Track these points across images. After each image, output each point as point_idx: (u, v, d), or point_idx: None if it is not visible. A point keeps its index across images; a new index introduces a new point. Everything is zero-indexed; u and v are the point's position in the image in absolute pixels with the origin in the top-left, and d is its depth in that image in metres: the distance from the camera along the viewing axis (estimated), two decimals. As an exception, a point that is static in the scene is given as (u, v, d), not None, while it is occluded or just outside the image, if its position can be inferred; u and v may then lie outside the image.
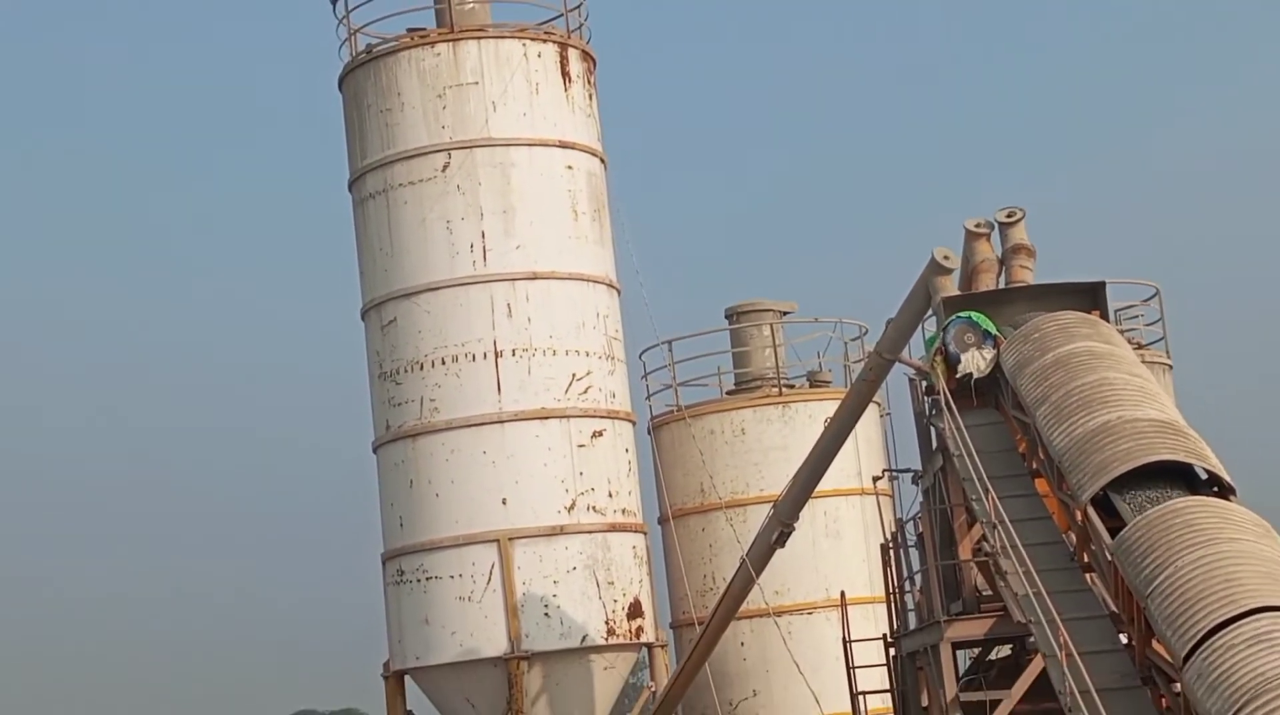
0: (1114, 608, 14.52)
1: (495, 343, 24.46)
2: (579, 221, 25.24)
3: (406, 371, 24.85)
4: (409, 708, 25.67)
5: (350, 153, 25.91)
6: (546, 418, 24.50)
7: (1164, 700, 13.58)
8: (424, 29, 25.54)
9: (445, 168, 24.77)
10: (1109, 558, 14.01)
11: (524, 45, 25.22)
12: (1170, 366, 23.52)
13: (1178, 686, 12.78)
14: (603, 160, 26.02)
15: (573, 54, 25.62)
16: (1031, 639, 15.40)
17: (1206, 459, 14.37)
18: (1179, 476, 14.29)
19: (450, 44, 25.05)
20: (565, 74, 25.43)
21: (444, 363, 24.58)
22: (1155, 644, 13.31)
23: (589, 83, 25.97)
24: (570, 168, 25.28)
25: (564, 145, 25.26)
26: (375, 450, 25.52)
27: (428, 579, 24.61)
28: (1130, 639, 14.09)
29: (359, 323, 25.89)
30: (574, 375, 24.76)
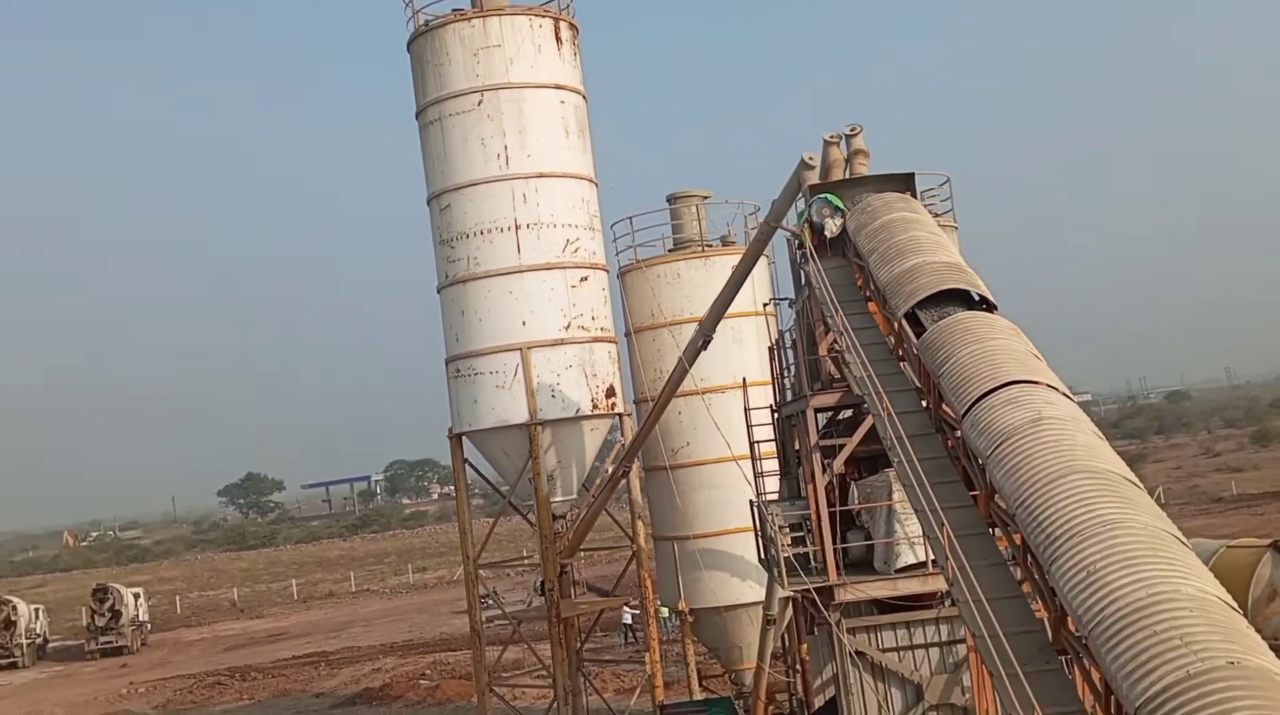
0: (918, 384, 14.59)
1: (515, 219, 24.29)
2: (569, 138, 24.90)
3: (457, 239, 24.70)
4: (465, 457, 26.02)
5: (416, 93, 25.40)
6: (550, 268, 24.47)
7: (949, 442, 13.73)
8: (464, 9, 24.93)
9: (479, 103, 24.33)
10: (915, 352, 14.04)
11: (530, 20, 24.64)
12: (956, 228, 23.40)
13: (959, 433, 12.89)
14: (584, 96, 25.57)
15: (563, 25, 25.05)
16: (865, 405, 15.54)
17: (978, 286, 14.36)
18: (961, 298, 14.28)
19: (481, 19, 24.45)
20: (558, 38, 24.88)
21: (482, 233, 24.42)
22: (944, 406, 13.37)
23: (574, 44, 25.43)
24: (563, 102, 24.86)
25: (558, 87, 24.81)
26: (439, 292, 25.47)
27: (475, 374, 24.74)
28: (928, 403, 14.19)
29: (425, 208, 25.66)
30: (568, 240, 24.68)
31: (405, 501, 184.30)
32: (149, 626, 67.28)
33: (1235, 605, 9.10)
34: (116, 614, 62.31)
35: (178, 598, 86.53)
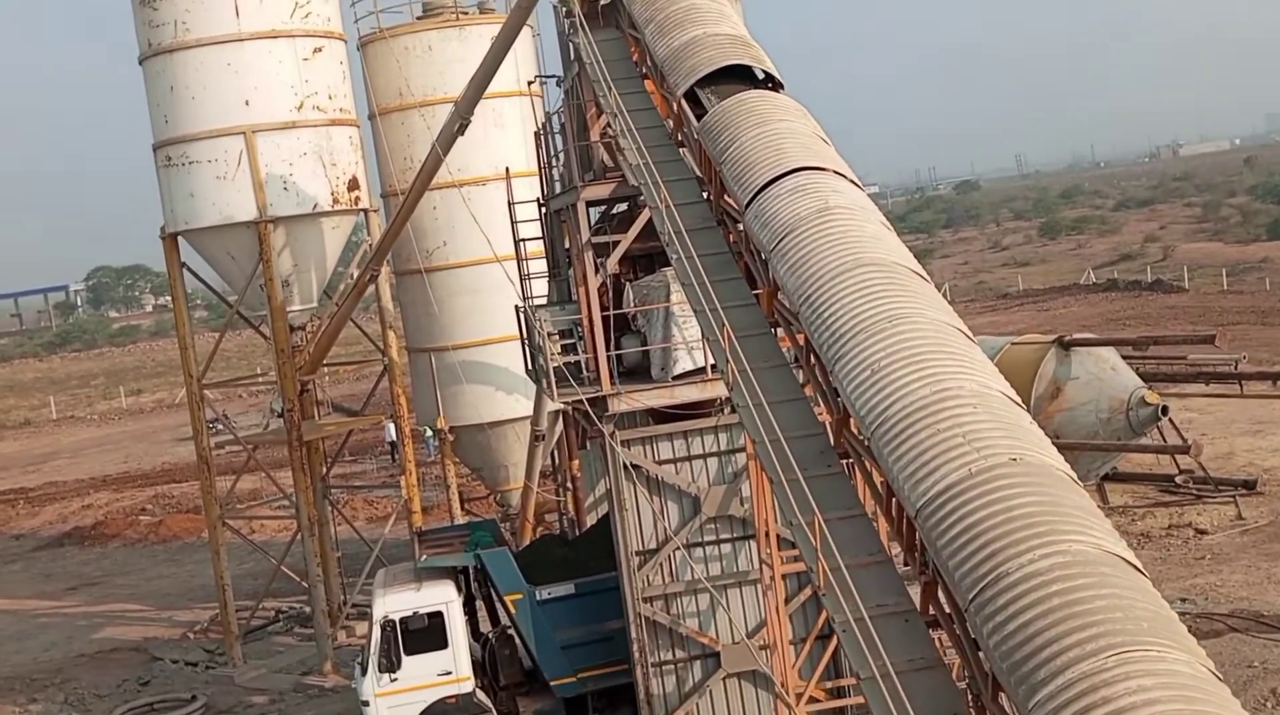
0: (699, 172, 14.63)
1: (233, -24, 22.92)
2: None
3: None
4: (183, 261, 25.09)
5: None
6: (277, 37, 23.35)
7: (731, 236, 13.93)
8: None
9: None
10: (696, 136, 14.06)
11: None
12: (742, -1, 23.49)
13: (741, 226, 13.06)
14: None
15: None
16: (641, 196, 15.60)
17: (764, 62, 14.42)
18: (745, 75, 14.31)
19: None
20: None
21: (192, -8, 22.97)
22: (726, 197, 13.53)
23: None
24: None
25: None
26: (140, 63, 23.94)
27: (190, 163, 23.65)
28: (708, 194, 14.29)
29: (120, -40, 23.82)
30: (297, 3, 23.51)
31: (113, 315, 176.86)
32: None
33: (1019, 401, 9.77)
34: None
35: None
